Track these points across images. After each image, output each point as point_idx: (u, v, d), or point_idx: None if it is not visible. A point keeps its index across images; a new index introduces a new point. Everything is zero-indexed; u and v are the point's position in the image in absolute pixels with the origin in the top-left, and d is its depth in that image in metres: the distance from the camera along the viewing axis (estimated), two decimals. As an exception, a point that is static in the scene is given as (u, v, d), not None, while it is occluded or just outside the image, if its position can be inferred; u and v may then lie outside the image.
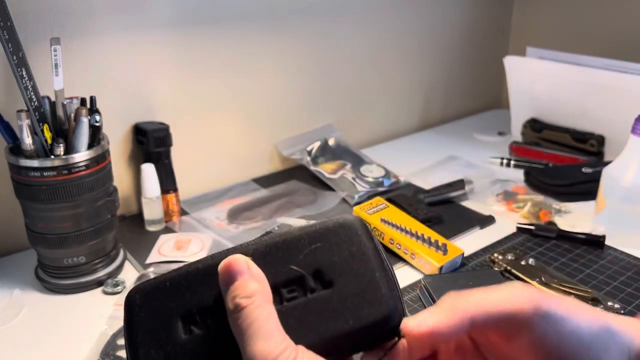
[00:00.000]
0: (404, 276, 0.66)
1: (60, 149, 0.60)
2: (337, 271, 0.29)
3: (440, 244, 0.69)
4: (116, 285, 0.65)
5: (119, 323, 0.58)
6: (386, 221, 0.73)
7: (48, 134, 0.61)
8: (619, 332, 0.30)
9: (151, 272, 0.64)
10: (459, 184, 0.87)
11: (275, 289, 0.29)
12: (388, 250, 0.71)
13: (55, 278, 0.65)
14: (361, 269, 0.30)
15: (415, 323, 0.30)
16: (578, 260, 0.69)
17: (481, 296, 0.31)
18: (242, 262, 0.28)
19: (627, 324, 0.31)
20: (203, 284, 0.29)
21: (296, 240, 0.30)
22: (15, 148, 0.62)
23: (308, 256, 0.30)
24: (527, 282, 0.63)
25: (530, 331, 0.30)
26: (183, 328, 0.29)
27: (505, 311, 0.30)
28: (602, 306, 0.58)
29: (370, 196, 0.86)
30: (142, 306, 0.30)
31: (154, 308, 0.29)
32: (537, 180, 0.88)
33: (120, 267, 0.69)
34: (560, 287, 0.61)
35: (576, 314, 0.30)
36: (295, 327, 0.27)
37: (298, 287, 0.29)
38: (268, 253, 0.30)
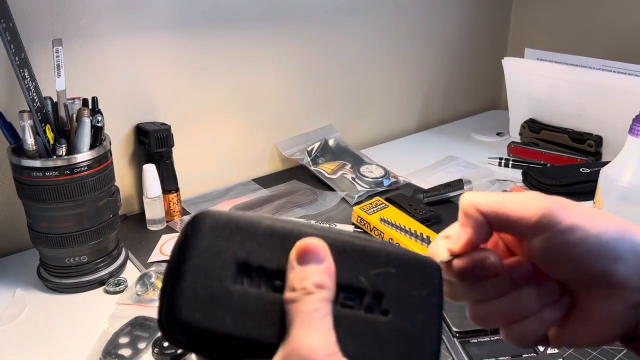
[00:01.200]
0: (404, 275, 0.67)
1: (62, 150, 0.61)
2: (398, 305, 0.29)
3: (439, 243, 0.69)
4: (118, 284, 0.66)
5: (121, 322, 0.58)
6: (385, 221, 0.74)
7: (50, 135, 0.62)
8: (636, 237, 0.30)
9: (153, 272, 0.64)
10: (458, 183, 0.87)
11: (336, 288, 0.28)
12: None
13: (57, 277, 0.66)
14: (422, 315, 0.29)
15: (454, 244, 0.31)
16: (576, 260, 0.69)
17: (494, 198, 0.31)
18: (322, 250, 0.27)
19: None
20: (274, 244, 0.27)
21: (375, 254, 0.29)
22: (18, 148, 0.62)
23: (379, 275, 0.29)
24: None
25: (536, 238, 0.30)
26: (235, 276, 0.26)
27: (512, 216, 0.30)
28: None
29: (369, 196, 0.86)
30: (206, 234, 0.27)
31: (217, 242, 0.27)
32: (535, 180, 0.89)
33: (122, 267, 0.69)
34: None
35: (588, 222, 0.30)
36: (342, 336, 0.26)
37: (356, 299, 0.28)
38: (344, 251, 0.28)
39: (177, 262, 0.26)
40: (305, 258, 0.26)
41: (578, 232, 0.29)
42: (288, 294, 0.26)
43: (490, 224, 0.31)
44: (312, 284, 0.26)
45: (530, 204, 0.30)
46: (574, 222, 0.30)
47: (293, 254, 0.27)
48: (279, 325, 0.26)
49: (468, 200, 0.31)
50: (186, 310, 0.25)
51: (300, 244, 0.27)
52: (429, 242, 0.69)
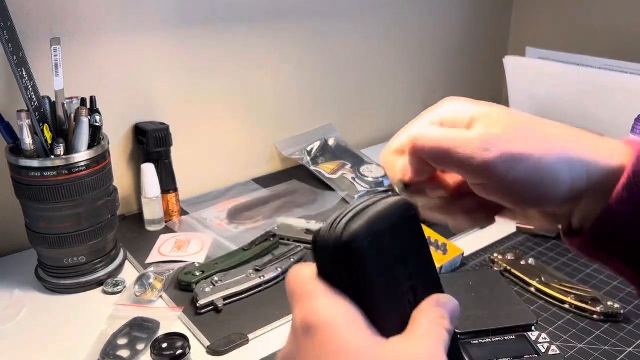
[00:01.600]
0: (404, 276, 0.66)
1: (60, 149, 0.60)
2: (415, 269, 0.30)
3: (440, 243, 0.69)
4: (116, 285, 0.65)
5: (119, 322, 0.58)
6: (386, 221, 0.73)
7: (48, 134, 0.61)
8: (576, 157, 0.30)
9: (151, 273, 0.64)
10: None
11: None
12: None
13: (56, 278, 0.65)
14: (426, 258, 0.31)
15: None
16: (578, 260, 0.69)
17: (434, 134, 0.32)
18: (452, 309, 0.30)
19: (589, 147, 0.31)
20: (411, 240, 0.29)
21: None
22: (16, 148, 0.62)
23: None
24: (527, 282, 0.63)
25: (476, 172, 0.31)
26: (404, 275, 0.28)
27: (454, 159, 0.31)
28: (601, 306, 0.58)
29: (370, 196, 0.86)
30: (369, 252, 0.27)
31: (380, 253, 0.27)
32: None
33: (120, 267, 0.69)
34: (560, 287, 0.62)
35: (527, 149, 0.30)
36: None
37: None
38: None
39: (361, 292, 0.27)
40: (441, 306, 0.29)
41: (515, 164, 0.30)
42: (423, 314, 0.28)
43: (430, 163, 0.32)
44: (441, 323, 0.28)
45: (469, 139, 0.31)
46: (510, 152, 0.30)
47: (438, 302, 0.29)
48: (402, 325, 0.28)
49: (411, 138, 0.33)
50: (362, 244, 0.26)
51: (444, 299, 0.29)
52: (429, 242, 0.69)
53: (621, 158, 0.31)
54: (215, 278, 0.63)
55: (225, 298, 0.61)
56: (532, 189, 0.30)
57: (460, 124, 0.33)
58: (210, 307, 0.61)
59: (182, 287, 0.64)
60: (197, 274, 0.64)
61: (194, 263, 0.69)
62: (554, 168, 0.30)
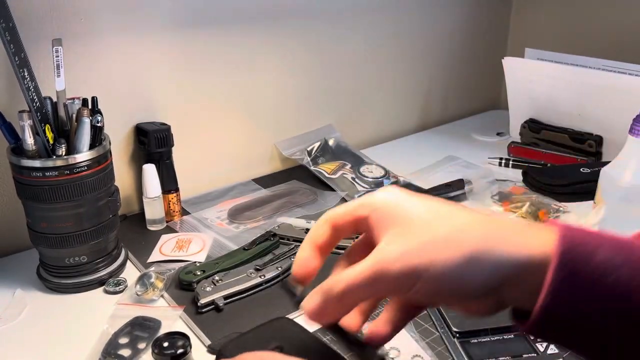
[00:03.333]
0: (404, 275, 0.66)
1: (62, 150, 0.61)
2: None
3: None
4: (117, 284, 0.66)
5: (120, 322, 0.58)
6: (386, 221, 0.74)
7: (50, 135, 0.61)
8: (485, 255, 0.30)
9: (152, 272, 0.64)
10: (458, 183, 0.87)
11: None
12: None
13: (57, 277, 0.66)
14: None
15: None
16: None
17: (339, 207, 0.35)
18: None
19: (503, 241, 0.30)
20: None
21: None
22: (17, 148, 0.62)
23: None
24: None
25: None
26: None
27: (349, 212, 0.35)
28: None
29: (369, 196, 0.86)
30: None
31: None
32: (536, 180, 0.89)
33: (121, 267, 0.69)
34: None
35: (431, 255, 0.30)
36: None
37: None
38: None
39: None
40: None
41: (420, 274, 0.30)
42: None
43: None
44: None
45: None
46: (415, 264, 0.30)
47: None
48: None
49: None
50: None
51: None
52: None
53: (543, 247, 0.30)
54: (216, 277, 0.64)
55: (226, 297, 0.62)
56: (439, 292, 0.31)
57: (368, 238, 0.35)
58: (211, 307, 0.61)
59: (183, 286, 0.64)
60: (198, 273, 0.65)
61: (194, 262, 0.69)
62: (457, 271, 0.30)
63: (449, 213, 0.32)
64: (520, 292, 0.31)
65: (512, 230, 0.31)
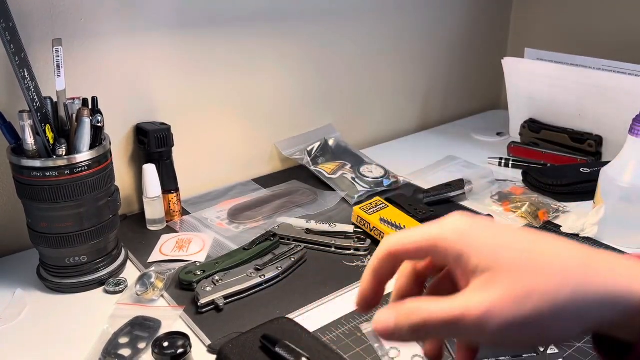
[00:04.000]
0: (404, 275, 0.67)
1: (62, 149, 0.61)
2: None
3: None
4: (118, 284, 0.66)
5: (121, 322, 0.58)
6: (385, 221, 0.74)
7: (50, 135, 0.62)
8: (591, 294, 0.26)
9: (152, 272, 0.64)
10: (458, 183, 0.87)
11: None
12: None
13: (57, 277, 0.66)
14: None
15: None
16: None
17: (405, 232, 0.31)
18: None
19: (611, 276, 0.27)
20: None
21: None
22: (18, 148, 0.62)
23: None
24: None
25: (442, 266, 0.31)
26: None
27: (419, 246, 0.30)
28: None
29: (369, 196, 0.86)
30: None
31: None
32: (536, 180, 0.89)
33: (121, 267, 0.69)
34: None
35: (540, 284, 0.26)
36: None
37: None
38: None
39: None
40: None
41: (512, 328, 0.26)
42: None
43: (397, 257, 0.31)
44: None
45: (435, 233, 0.30)
46: (510, 319, 0.26)
47: None
48: None
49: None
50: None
51: None
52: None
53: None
54: (216, 277, 0.64)
55: (226, 297, 0.62)
56: (533, 339, 0.27)
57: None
58: (211, 306, 0.61)
59: (183, 286, 0.64)
60: (198, 273, 0.65)
61: (194, 262, 0.69)
62: (559, 314, 0.26)
63: (545, 243, 0.28)
64: (626, 332, 0.27)
65: (612, 262, 0.28)
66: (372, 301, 0.33)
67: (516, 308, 0.26)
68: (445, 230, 0.29)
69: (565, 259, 0.27)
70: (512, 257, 0.27)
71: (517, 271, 0.27)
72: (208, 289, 0.62)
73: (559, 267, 0.27)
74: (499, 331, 0.26)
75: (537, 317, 0.26)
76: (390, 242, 0.31)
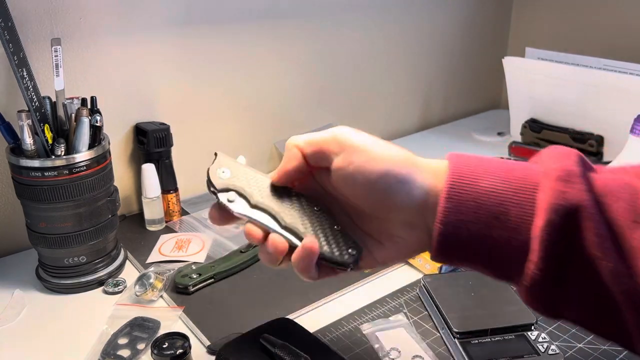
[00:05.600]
0: (404, 276, 0.66)
1: (61, 149, 0.61)
2: None
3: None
4: (117, 284, 0.66)
5: (120, 322, 0.58)
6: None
7: (49, 134, 0.61)
8: (395, 176, 0.38)
9: (152, 273, 0.64)
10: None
11: None
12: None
13: (56, 278, 0.65)
14: None
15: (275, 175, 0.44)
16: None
17: (308, 135, 0.43)
18: None
19: (409, 168, 0.39)
20: None
21: None
22: (16, 148, 0.62)
23: None
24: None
25: (330, 164, 0.41)
26: None
27: (317, 142, 0.42)
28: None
29: (370, 196, 0.86)
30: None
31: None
32: (537, 180, 0.88)
33: (121, 267, 0.69)
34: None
35: (362, 163, 0.39)
36: None
37: None
38: None
39: None
40: None
41: (352, 172, 0.39)
42: None
43: (306, 159, 0.42)
44: None
45: (331, 133, 0.41)
46: (346, 163, 0.39)
47: None
48: None
49: (290, 141, 0.44)
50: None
51: None
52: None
53: (436, 179, 0.38)
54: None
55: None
56: (367, 191, 0.39)
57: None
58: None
59: (179, 290, 0.64)
60: (194, 276, 0.64)
61: (191, 265, 0.69)
62: (378, 182, 0.38)
63: (384, 146, 0.40)
64: (422, 220, 0.39)
65: (415, 161, 0.40)
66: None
67: (344, 166, 0.40)
68: (336, 131, 0.42)
69: (388, 155, 0.40)
70: (365, 145, 0.40)
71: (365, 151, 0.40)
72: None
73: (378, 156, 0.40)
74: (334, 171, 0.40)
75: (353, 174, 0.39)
76: (295, 139, 0.45)
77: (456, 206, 0.36)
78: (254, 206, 0.41)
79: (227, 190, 0.42)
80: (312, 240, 0.39)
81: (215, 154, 0.45)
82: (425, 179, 0.38)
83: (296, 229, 0.40)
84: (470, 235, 0.36)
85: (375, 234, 0.42)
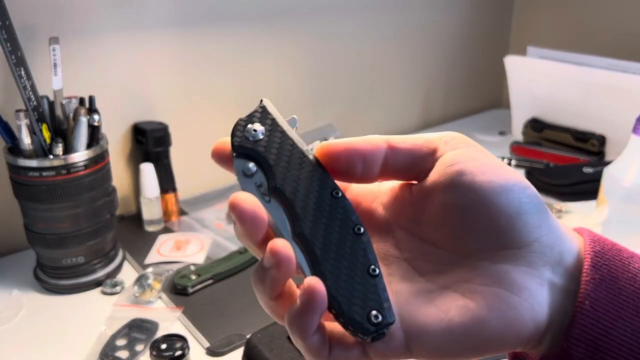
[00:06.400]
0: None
1: (59, 149, 0.60)
2: None
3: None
4: (115, 285, 0.65)
5: (118, 323, 0.58)
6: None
7: (47, 134, 0.61)
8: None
9: (150, 273, 0.63)
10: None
11: None
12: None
13: (54, 278, 0.65)
14: None
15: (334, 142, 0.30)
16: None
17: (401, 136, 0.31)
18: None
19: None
20: None
21: None
22: (14, 148, 0.62)
23: None
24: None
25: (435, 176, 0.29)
26: None
27: (413, 146, 0.31)
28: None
29: (370, 196, 0.85)
30: None
31: None
32: (538, 180, 0.88)
33: (119, 268, 0.69)
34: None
35: (479, 169, 0.28)
36: None
37: None
38: None
39: None
40: None
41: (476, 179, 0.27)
42: None
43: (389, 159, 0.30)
44: None
45: (436, 138, 0.31)
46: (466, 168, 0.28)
47: None
48: None
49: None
50: None
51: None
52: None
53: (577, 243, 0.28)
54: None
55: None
56: (495, 208, 0.27)
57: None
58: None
59: (178, 290, 0.63)
60: (193, 277, 0.64)
61: (190, 265, 0.68)
62: (514, 192, 0.27)
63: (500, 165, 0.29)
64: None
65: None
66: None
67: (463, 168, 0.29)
68: (443, 134, 0.33)
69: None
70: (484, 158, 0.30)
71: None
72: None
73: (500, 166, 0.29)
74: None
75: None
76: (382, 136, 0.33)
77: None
78: (273, 191, 0.28)
79: (247, 156, 0.31)
80: (317, 280, 0.24)
81: (261, 101, 0.33)
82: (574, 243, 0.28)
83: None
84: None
85: (452, 284, 0.26)
